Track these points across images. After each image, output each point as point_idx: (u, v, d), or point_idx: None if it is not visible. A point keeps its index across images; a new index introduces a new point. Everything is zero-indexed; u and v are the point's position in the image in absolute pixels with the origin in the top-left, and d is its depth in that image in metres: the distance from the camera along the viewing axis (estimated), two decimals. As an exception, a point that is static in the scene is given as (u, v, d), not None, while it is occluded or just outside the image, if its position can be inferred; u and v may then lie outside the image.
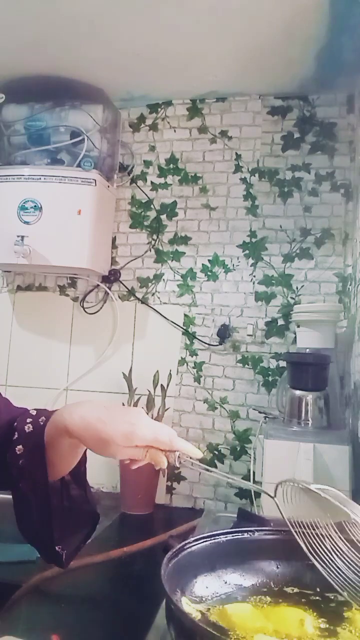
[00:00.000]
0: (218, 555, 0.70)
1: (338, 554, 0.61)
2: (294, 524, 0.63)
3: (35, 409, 0.77)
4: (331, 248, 1.61)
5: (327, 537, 0.62)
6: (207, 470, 0.74)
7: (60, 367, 1.77)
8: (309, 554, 0.61)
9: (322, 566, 0.60)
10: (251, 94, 1.70)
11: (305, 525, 0.63)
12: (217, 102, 1.73)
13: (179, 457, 0.68)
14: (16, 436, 0.71)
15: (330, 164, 1.63)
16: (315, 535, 0.62)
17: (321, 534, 0.62)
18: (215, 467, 1.62)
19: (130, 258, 1.76)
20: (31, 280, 1.83)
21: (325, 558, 0.61)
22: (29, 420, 0.73)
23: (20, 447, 0.70)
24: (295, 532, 0.62)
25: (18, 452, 0.70)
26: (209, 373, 1.66)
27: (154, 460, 0.67)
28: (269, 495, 0.67)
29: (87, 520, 0.76)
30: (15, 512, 0.72)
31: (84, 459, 0.75)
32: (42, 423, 0.71)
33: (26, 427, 0.72)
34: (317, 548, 0.61)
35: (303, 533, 0.62)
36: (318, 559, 0.60)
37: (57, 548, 0.70)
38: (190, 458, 0.69)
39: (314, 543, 0.61)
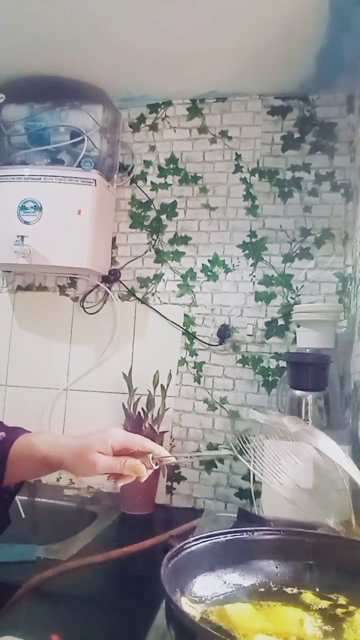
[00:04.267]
0: (217, 555, 0.70)
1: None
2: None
3: None
4: (331, 248, 1.61)
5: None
6: (181, 457, 0.84)
7: (60, 367, 1.77)
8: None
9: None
10: (251, 94, 1.70)
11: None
12: (217, 102, 1.73)
13: (152, 458, 0.73)
14: None
15: (330, 164, 1.63)
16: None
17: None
18: (215, 467, 1.62)
19: (130, 258, 1.76)
20: (31, 280, 1.84)
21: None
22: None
23: None
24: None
25: None
26: (209, 373, 1.66)
27: (133, 469, 0.72)
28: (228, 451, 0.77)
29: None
30: None
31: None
32: (1, 438, 0.76)
33: None
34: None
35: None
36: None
37: None
38: (163, 459, 0.74)
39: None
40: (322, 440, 0.68)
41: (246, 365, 1.63)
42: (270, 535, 0.74)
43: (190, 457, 0.84)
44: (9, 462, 0.73)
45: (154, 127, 1.79)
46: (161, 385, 1.61)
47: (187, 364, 1.68)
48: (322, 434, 0.69)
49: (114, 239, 1.78)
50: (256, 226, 1.67)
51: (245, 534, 0.73)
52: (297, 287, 1.62)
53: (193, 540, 0.69)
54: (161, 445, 1.63)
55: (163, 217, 1.75)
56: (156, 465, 0.73)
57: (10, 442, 0.75)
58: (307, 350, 1.42)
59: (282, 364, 1.58)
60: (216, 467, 1.62)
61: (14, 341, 1.82)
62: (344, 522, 0.62)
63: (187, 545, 0.67)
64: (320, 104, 1.65)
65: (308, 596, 0.67)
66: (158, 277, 1.74)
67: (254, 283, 1.65)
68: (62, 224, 1.56)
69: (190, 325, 1.69)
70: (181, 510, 1.62)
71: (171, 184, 1.76)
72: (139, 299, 1.74)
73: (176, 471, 1.65)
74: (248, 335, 1.63)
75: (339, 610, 0.64)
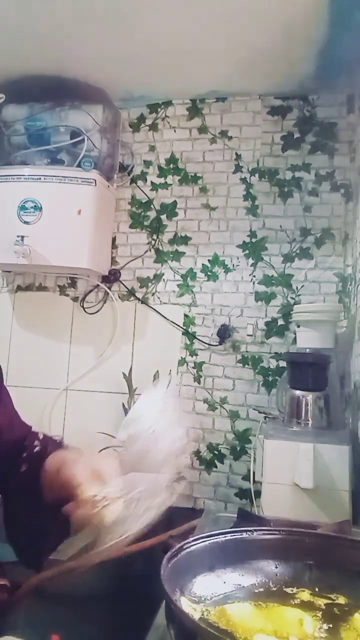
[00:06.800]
0: (217, 555, 0.70)
1: None
2: None
3: (43, 433, 0.84)
4: (331, 248, 1.61)
5: None
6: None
7: (60, 367, 1.77)
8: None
9: None
10: (251, 94, 1.70)
11: None
12: (217, 102, 1.73)
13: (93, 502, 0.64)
14: (25, 455, 0.78)
15: (330, 164, 1.63)
16: None
17: None
18: (215, 467, 1.62)
19: (130, 258, 1.76)
20: (31, 280, 1.83)
21: None
22: (36, 442, 0.81)
23: (25, 466, 0.77)
24: None
25: (22, 471, 0.76)
26: (209, 373, 1.66)
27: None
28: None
29: (63, 533, 0.79)
30: (6, 524, 0.77)
31: None
32: (39, 449, 0.78)
33: (35, 449, 0.79)
34: None
35: None
36: None
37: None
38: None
39: None
40: None
41: (246, 365, 1.63)
42: (270, 535, 0.74)
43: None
44: (49, 472, 0.74)
45: (154, 127, 1.79)
46: (161, 385, 1.61)
47: (187, 364, 1.68)
48: None
49: (114, 239, 1.78)
50: (256, 226, 1.67)
51: (245, 534, 0.73)
52: (297, 287, 1.62)
53: (193, 540, 0.69)
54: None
55: (163, 217, 1.75)
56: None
57: (43, 452, 0.77)
58: (307, 350, 1.41)
59: (282, 364, 1.58)
60: (216, 467, 1.62)
61: (14, 341, 1.82)
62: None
63: (186, 545, 0.67)
64: (320, 104, 1.65)
65: (307, 596, 0.67)
66: (158, 277, 1.74)
67: (254, 283, 1.65)
68: (62, 224, 1.56)
69: (190, 325, 1.69)
70: (181, 510, 1.61)
71: (171, 184, 1.76)
72: (139, 299, 1.74)
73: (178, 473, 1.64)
74: (248, 335, 1.63)
75: (338, 610, 0.63)
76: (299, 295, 1.61)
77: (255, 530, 0.74)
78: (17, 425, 0.85)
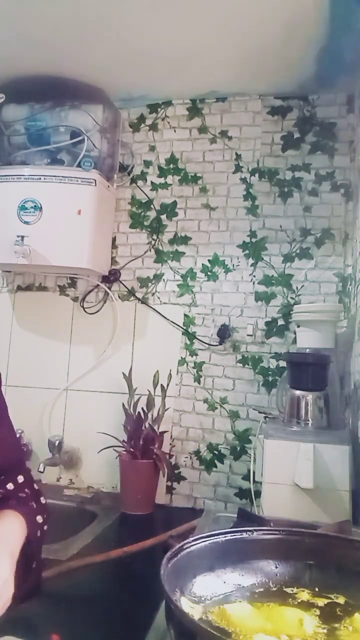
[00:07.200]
0: (217, 555, 0.70)
1: None
2: None
3: (24, 477, 0.82)
4: (331, 248, 1.61)
5: None
6: None
7: (60, 367, 1.77)
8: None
9: None
10: (251, 94, 1.70)
11: None
12: (217, 102, 1.73)
13: None
14: None
15: (330, 164, 1.63)
16: None
17: None
18: (215, 467, 1.62)
19: (130, 258, 1.77)
20: (31, 280, 1.84)
21: None
22: (9, 485, 0.78)
23: None
24: None
25: None
26: (209, 373, 1.66)
27: None
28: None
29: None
30: None
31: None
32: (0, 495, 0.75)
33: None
34: None
35: None
36: None
37: None
38: None
39: None
40: None
41: (246, 365, 1.63)
42: (270, 535, 0.74)
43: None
44: None
45: (154, 127, 1.79)
46: (161, 385, 1.61)
47: (187, 364, 1.68)
48: None
49: (114, 239, 1.78)
50: (256, 226, 1.67)
51: (245, 534, 0.73)
52: (297, 287, 1.62)
53: (193, 540, 0.69)
54: (161, 445, 1.64)
55: (163, 217, 1.75)
56: None
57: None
58: (307, 350, 1.42)
59: (282, 364, 1.58)
60: (216, 467, 1.62)
61: (14, 341, 1.82)
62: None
63: (186, 545, 0.67)
64: (320, 104, 1.65)
65: (307, 596, 0.67)
66: (158, 277, 1.74)
67: (254, 283, 1.65)
68: (62, 224, 1.56)
69: (190, 325, 1.69)
70: (181, 510, 1.62)
71: (171, 184, 1.76)
72: (139, 299, 1.74)
73: (176, 471, 1.65)
74: (248, 335, 1.63)
75: (338, 610, 0.64)
76: (299, 295, 1.61)
77: (255, 530, 0.74)
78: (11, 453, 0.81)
